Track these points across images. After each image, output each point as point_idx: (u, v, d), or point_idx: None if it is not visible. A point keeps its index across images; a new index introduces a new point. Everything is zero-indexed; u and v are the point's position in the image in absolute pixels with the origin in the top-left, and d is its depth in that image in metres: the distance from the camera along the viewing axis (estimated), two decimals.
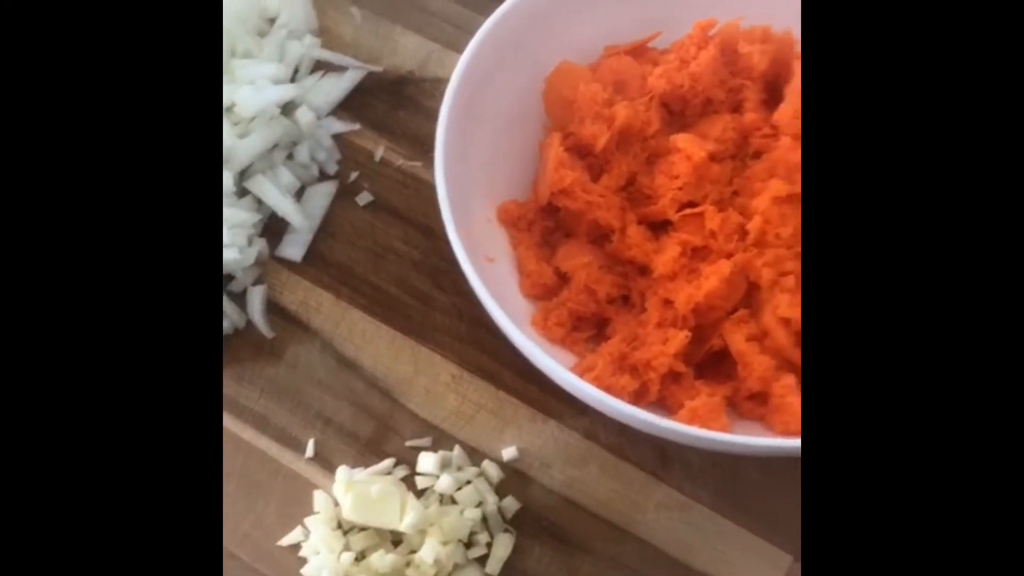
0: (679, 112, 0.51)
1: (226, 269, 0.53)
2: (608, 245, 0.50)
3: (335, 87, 0.60)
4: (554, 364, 0.43)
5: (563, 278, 0.50)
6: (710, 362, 0.47)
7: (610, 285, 0.49)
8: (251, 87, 0.55)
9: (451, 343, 0.53)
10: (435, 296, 0.54)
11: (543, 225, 0.51)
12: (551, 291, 0.50)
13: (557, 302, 0.49)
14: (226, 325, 0.53)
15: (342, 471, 0.48)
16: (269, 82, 0.56)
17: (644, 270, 0.49)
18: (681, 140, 0.48)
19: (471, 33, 0.61)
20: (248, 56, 0.58)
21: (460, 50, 0.61)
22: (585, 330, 0.49)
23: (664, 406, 0.46)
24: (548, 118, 0.53)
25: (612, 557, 0.48)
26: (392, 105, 0.60)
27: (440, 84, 0.61)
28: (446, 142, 0.48)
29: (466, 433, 0.50)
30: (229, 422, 0.51)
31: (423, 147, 0.59)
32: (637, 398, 0.46)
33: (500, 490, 0.49)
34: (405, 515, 0.45)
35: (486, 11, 0.63)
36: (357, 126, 0.59)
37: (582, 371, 0.45)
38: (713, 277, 0.45)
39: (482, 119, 0.51)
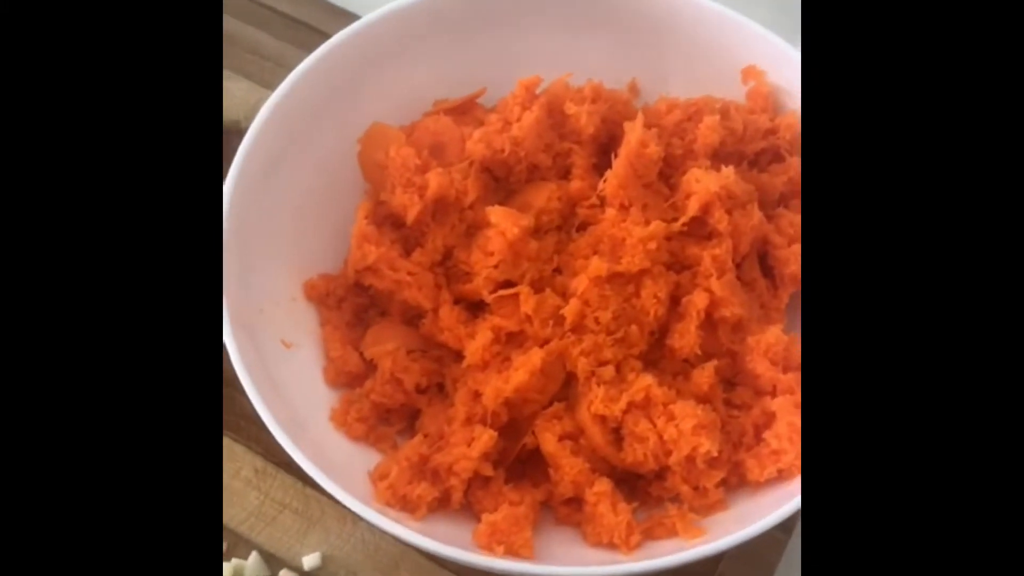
0: (503, 178, 0.46)
1: None
2: (421, 326, 0.45)
3: None
4: (329, 481, 0.38)
5: (371, 365, 0.45)
6: (527, 460, 0.43)
7: (419, 373, 0.44)
8: None
9: (258, 433, 0.47)
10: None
11: (355, 302, 0.46)
12: (358, 379, 0.45)
13: (360, 393, 0.44)
14: None
15: None
16: None
17: (459, 356, 0.44)
18: (495, 214, 0.43)
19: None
20: None
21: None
22: (395, 423, 0.44)
23: (471, 512, 0.41)
24: (367, 183, 0.48)
25: None
26: None
27: None
28: (233, 214, 0.43)
29: (265, 536, 0.45)
30: None
31: None
32: (440, 506, 0.41)
33: None
34: None
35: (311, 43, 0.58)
36: None
37: (376, 479, 0.40)
38: (523, 369, 0.41)
39: (286, 181, 0.46)
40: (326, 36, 0.59)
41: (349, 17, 0.60)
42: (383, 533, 0.45)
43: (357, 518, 0.45)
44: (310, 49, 0.59)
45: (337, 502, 0.45)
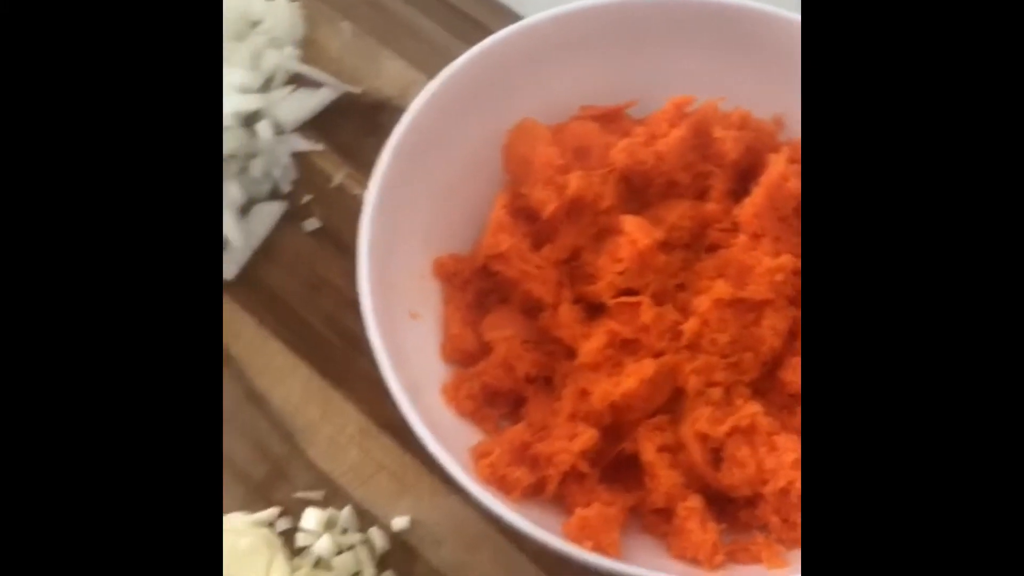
0: (641, 189, 0.47)
1: None
2: (538, 319, 0.46)
3: (304, 103, 0.57)
4: (438, 445, 0.40)
5: (485, 347, 0.46)
6: (622, 464, 0.44)
7: (531, 363, 0.45)
8: None
9: (368, 393, 0.50)
10: (363, 340, 0.51)
11: (479, 286, 0.48)
12: (470, 358, 0.46)
13: (473, 372, 0.46)
14: None
15: None
16: (234, 90, 0.54)
17: (571, 353, 0.45)
18: (629, 222, 0.44)
19: None
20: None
21: None
22: (500, 406, 0.46)
23: (561, 505, 0.43)
24: (506, 174, 0.50)
25: None
26: (363, 130, 0.58)
27: None
28: (383, 186, 0.45)
29: (361, 493, 0.48)
30: None
31: None
32: (533, 493, 0.42)
33: (382, 562, 0.46)
34: (269, 575, 0.43)
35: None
36: (321, 147, 0.57)
37: (478, 456, 0.42)
38: (634, 376, 0.42)
39: (433, 163, 0.48)
40: (481, 27, 0.62)
41: (505, 13, 0.62)
42: (472, 509, 0.47)
43: (448, 490, 0.48)
44: (466, 38, 0.61)
45: (432, 472, 0.48)
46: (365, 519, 0.47)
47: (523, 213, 0.47)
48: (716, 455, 0.42)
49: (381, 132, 0.57)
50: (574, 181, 0.45)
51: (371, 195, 0.44)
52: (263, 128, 0.55)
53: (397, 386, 0.41)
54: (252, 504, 0.47)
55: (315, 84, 0.58)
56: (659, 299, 0.44)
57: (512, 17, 0.62)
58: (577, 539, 0.39)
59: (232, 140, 0.53)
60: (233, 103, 0.53)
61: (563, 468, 0.42)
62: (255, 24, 0.59)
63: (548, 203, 0.46)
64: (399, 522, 0.47)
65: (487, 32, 0.61)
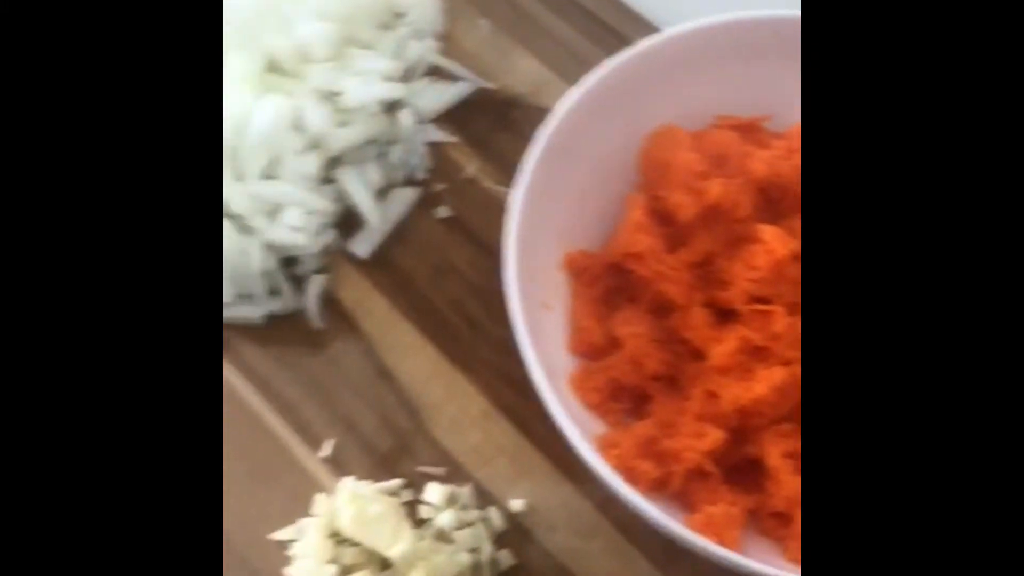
0: (776, 201, 0.48)
1: (293, 252, 0.53)
2: (668, 320, 0.48)
3: (443, 95, 0.59)
4: (576, 432, 0.41)
5: (613, 342, 0.48)
6: (742, 467, 0.45)
7: (659, 362, 0.47)
8: (360, 79, 0.55)
9: (489, 378, 0.52)
10: (486, 326, 0.53)
11: (607, 283, 0.50)
12: (598, 352, 0.48)
13: (601, 366, 0.47)
14: (279, 307, 0.53)
15: (348, 482, 0.48)
16: (379, 77, 0.56)
17: (698, 355, 0.46)
18: (767, 232, 0.45)
19: (591, 68, 0.60)
20: (367, 47, 0.58)
21: (576, 83, 0.61)
22: (624, 401, 0.47)
23: (683, 501, 0.44)
24: (640, 176, 0.51)
25: None
26: (495, 125, 0.60)
27: (547, 115, 0.60)
28: (530, 184, 0.47)
29: (481, 473, 0.49)
30: (257, 402, 0.51)
31: (515, 174, 0.57)
32: (657, 487, 0.43)
33: (499, 541, 0.48)
34: (397, 543, 0.45)
35: (611, 49, 0.62)
36: (455, 139, 0.59)
37: (606, 445, 0.44)
38: (764, 383, 0.43)
39: (572, 163, 0.50)
40: (613, 31, 0.64)
41: (641, 22, 0.63)
42: (586, 499, 0.48)
43: (563, 478, 0.49)
44: (598, 42, 0.63)
45: (549, 459, 0.49)
46: (484, 499, 0.49)
47: (659, 216, 0.49)
48: None
49: (512, 128, 0.60)
50: (714, 188, 0.47)
51: (518, 192, 0.46)
52: (404, 116, 0.57)
53: (539, 372, 0.42)
54: (377, 474, 0.49)
55: (452, 77, 0.60)
56: (791, 310, 0.45)
57: (641, 22, 0.64)
58: (702, 533, 0.40)
59: (375, 125, 0.56)
60: (378, 90, 0.55)
61: (689, 466, 0.43)
62: (399, 15, 0.61)
63: (686, 207, 0.47)
64: (516, 504, 0.48)
65: (619, 36, 0.63)
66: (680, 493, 0.44)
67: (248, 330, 0.53)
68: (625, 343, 0.47)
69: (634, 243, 0.47)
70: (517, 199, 0.46)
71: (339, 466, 0.49)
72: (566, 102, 0.49)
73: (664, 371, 0.47)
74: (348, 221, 0.56)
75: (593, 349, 0.48)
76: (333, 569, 0.45)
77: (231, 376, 0.52)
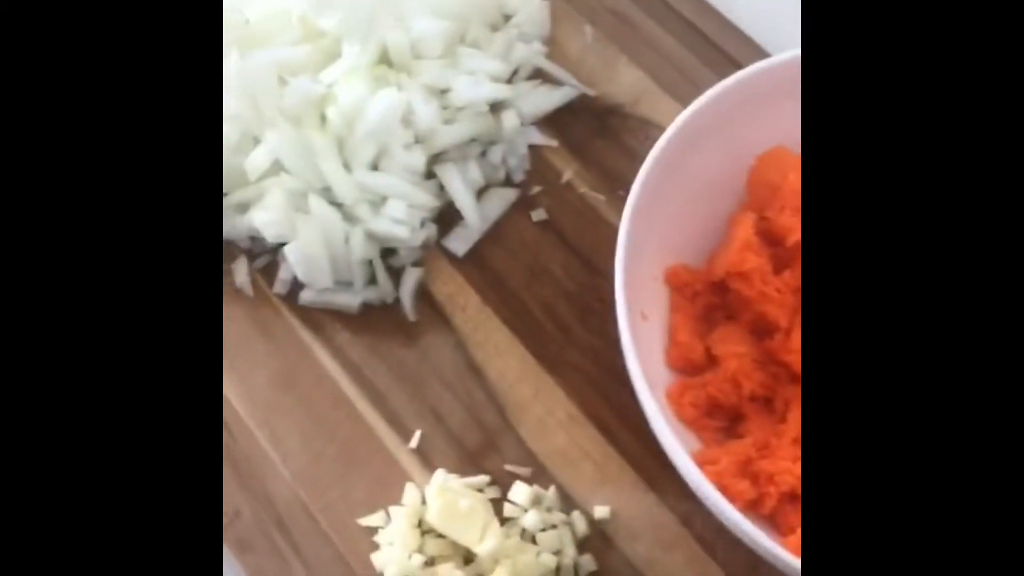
0: None
1: (393, 243, 0.54)
2: (768, 341, 0.48)
3: (546, 99, 0.60)
4: (678, 446, 0.41)
5: (711, 359, 0.48)
6: None
7: (757, 383, 0.47)
8: (470, 78, 0.56)
9: (577, 382, 0.52)
10: (576, 331, 0.54)
11: (708, 300, 0.50)
12: (695, 368, 0.48)
13: (699, 382, 0.47)
14: (375, 297, 0.54)
15: (440, 474, 0.48)
16: (488, 78, 0.57)
17: (796, 379, 0.46)
18: None
19: (691, 81, 0.61)
20: (476, 47, 0.59)
21: (676, 95, 0.61)
22: (719, 419, 0.47)
23: (774, 523, 0.44)
24: (747, 195, 0.52)
25: None
26: (594, 132, 0.60)
27: (646, 126, 0.60)
28: (640, 195, 0.47)
29: (565, 476, 0.50)
30: (349, 389, 0.52)
31: (611, 182, 0.58)
32: (750, 507, 0.44)
33: (582, 545, 0.48)
34: (485, 539, 0.45)
35: (712, 63, 0.62)
36: (555, 143, 0.59)
37: (704, 461, 0.44)
38: None
39: (680, 179, 0.50)
40: (714, 46, 0.64)
41: (742, 37, 0.64)
42: (668, 511, 0.49)
43: (647, 488, 0.49)
44: (701, 56, 0.63)
45: (634, 468, 0.50)
46: (567, 502, 0.49)
47: (766, 237, 0.49)
48: None
49: (610, 136, 0.60)
50: None
51: (628, 205, 0.46)
52: (508, 118, 0.57)
53: (642, 383, 0.42)
54: (463, 469, 0.50)
55: (555, 82, 0.61)
56: None
57: (742, 38, 0.64)
58: (797, 555, 0.40)
59: (480, 124, 0.56)
60: (486, 91, 0.56)
61: (784, 488, 0.43)
62: (508, 17, 0.61)
63: (794, 230, 0.47)
64: (600, 511, 0.49)
65: (720, 51, 0.63)
66: (772, 515, 0.44)
67: (344, 317, 0.54)
68: (724, 361, 0.47)
69: (741, 262, 0.47)
70: (627, 213, 0.46)
71: (426, 457, 0.50)
72: (677, 121, 0.49)
73: (761, 392, 0.47)
74: (446, 217, 0.56)
75: (690, 365, 0.48)
76: (419, 559, 0.46)
77: (326, 361, 0.52)
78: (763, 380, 0.47)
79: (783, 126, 0.52)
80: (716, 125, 0.50)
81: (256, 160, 0.52)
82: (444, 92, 0.56)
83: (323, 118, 0.53)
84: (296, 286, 0.54)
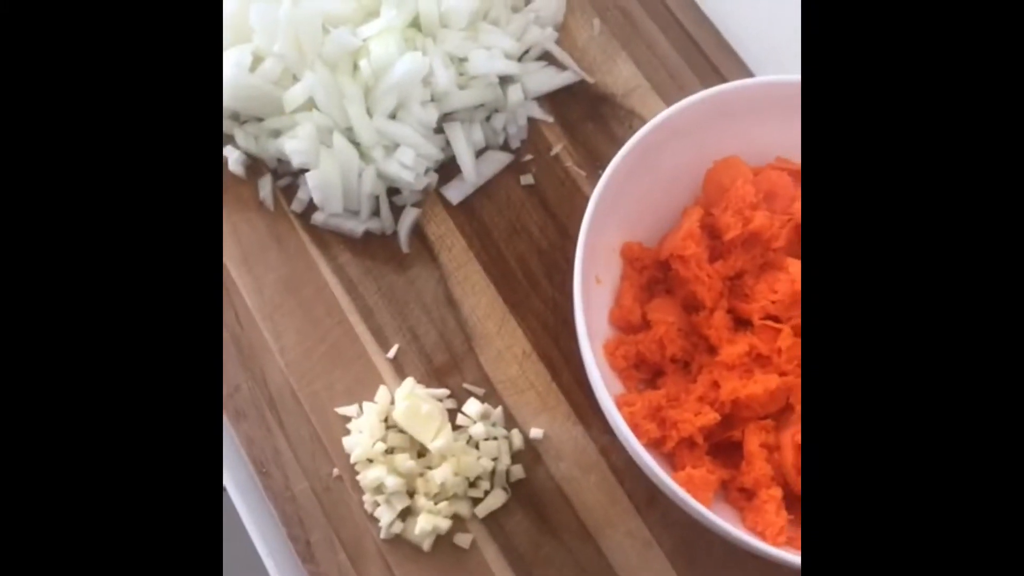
0: None
1: (398, 184, 0.63)
2: (694, 316, 0.57)
3: (550, 80, 0.68)
4: (604, 388, 0.51)
5: (646, 323, 0.58)
6: (724, 447, 0.55)
7: (679, 348, 0.57)
8: (486, 52, 0.64)
9: (536, 326, 0.62)
10: (542, 284, 0.63)
11: (653, 274, 0.59)
12: (632, 328, 0.58)
13: (632, 340, 0.57)
14: (376, 227, 0.63)
15: (409, 382, 0.58)
16: (502, 54, 0.65)
17: (712, 350, 0.56)
18: (793, 265, 0.55)
19: (678, 84, 0.70)
20: (495, 24, 0.67)
21: (663, 94, 0.70)
22: (643, 372, 0.57)
23: (672, 461, 0.54)
24: (701, 193, 0.61)
25: (571, 551, 0.56)
26: (586, 115, 0.69)
27: (632, 117, 0.69)
28: (611, 177, 0.56)
29: (512, 400, 0.60)
30: (343, 300, 0.61)
31: (593, 161, 0.67)
32: (655, 445, 0.54)
33: (515, 457, 0.58)
34: (438, 438, 0.55)
35: (700, 72, 0.71)
36: (551, 119, 0.68)
37: (623, 403, 0.54)
38: (759, 384, 0.53)
39: (648, 169, 0.59)
40: (707, 59, 0.72)
41: (732, 53, 0.72)
42: (591, 441, 0.59)
43: (576, 420, 0.59)
44: (692, 63, 0.72)
45: (569, 402, 0.60)
46: (509, 422, 0.59)
47: (708, 230, 0.58)
48: (799, 465, 0.53)
49: (599, 121, 0.69)
50: (759, 218, 0.56)
51: (600, 183, 0.55)
52: (514, 91, 0.66)
53: (583, 332, 0.52)
54: (429, 381, 0.60)
55: (560, 65, 0.69)
56: (796, 331, 0.55)
57: (733, 56, 0.72)
58: (682, 486, 0.51)
59: (489, 93, 0.65)
60: (499, 65, 0.64)
61: (683, 434, 0.53)
62: (528, 1, 0.70)
63: (732, 229, 0.56)
64: (534, 432, 0.59)
65: (709, 63, 0.72)
66: (671, 454, 0.54)
67: (347, 240, 0.63)
68: (655, 326, 0.57)
69: (683, 247, 0.56)
70: (598, 190, 0.55)
71: (400, 366, 0.60)
72: (656, 119, 0.58)
73: (681, 356, 0.57)
74: (447, 168, 0.65)
75: (628, 325, 0.58)
76: (381, 446, 0.56)
77: (327, 275, 0.62)
78: (684, 346, 0.57)
79: (744, 139, 0.61)
80: (687, 128, 0.59)
81: (293, 95, 0.60)
82: (462, 60, 0.64)
83: (355, 67, 0.62)
84: (311, 207, 0.63)
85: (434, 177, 0.64)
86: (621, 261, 0.60)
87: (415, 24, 0.64)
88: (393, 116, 0.62)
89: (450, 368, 0.60)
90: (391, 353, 0.60)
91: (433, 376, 0.60)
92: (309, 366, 0.59)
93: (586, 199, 0.64)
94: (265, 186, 0.63)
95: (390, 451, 0.56)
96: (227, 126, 0.63)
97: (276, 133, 0.62)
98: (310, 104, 0.61)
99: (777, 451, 0.53)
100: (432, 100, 0.63)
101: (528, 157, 0.67)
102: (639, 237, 0.60)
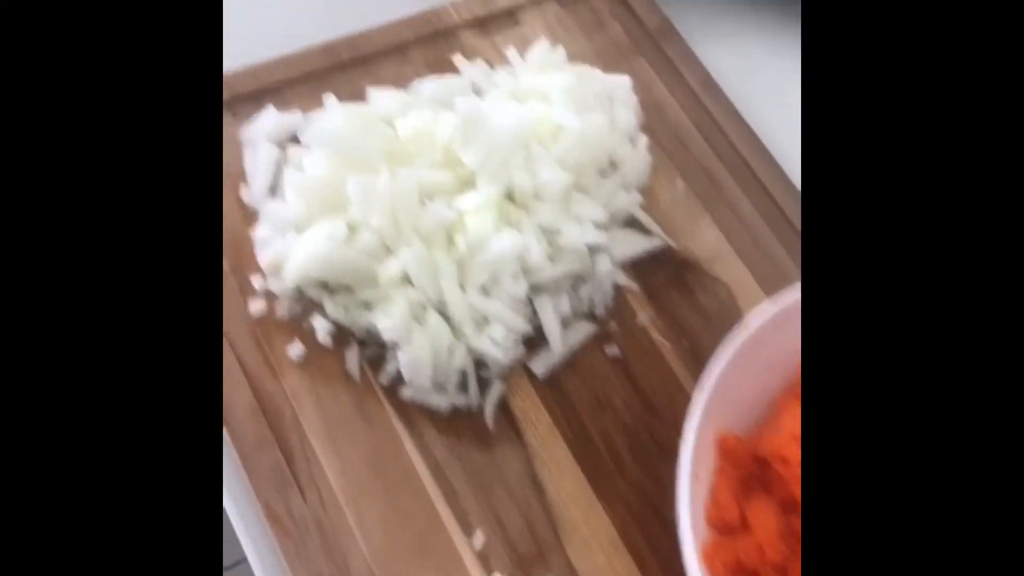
0: None
1: (486, 359, 0.62)
2: (793, 517, 0.56)
3: (636, 246, 0.68)
4: None
5: (744, 523, 0.56)
6: None
7: (779, 554, 0.55)
8: (578, 224, 0.64)
9: (622, 512, 0.60)
10: (628, 464, 0.62)
11: (750, 469, 0.58)
12: (729, 528, 0.56)
13: (731, 543, 0.55)
14: (463, 402, 0.61)
15: None
16: (593, 226, 0.65)
17: None
18: None
19: (761, 249, 0.70)
20: (584, 192, 0.66)
21: (746, 260, 0.69)
22: None
23: None
24: (796, 381, 0.60)
25: None
26: (670, 282, 0.68)
27: (717, 284, 0.68)
28: (716, 379, 0.55)
29: None
30: (431, 485, 0.59)
31: (678, 332, 0.66)
32: None
33: None
34: None
35: (779, 232, 0.71)
36: (636, 287, 0.67)
37: None
38: None
39: (746, 361, 0.58)
40: (786, 217, 0.72)
41: None
42: None
43: None
44: (772, 224, 0.71)
45: None
46: None
47: None
48: None
49: (685, 288, 0.68)
50: None
51: (708, 386, 0.54)
52: (602, 261, 0.65)
53: (688, 532, 0.51)
54: (514, 572, 0.58)
55: (645, 230, 0.69)
56: None
57: None
58: None
59: (578, 263, 0.64)
60: (590, 236, 0.64)
61: None
62: (615, 166, 0.69)
63: None
64: None
65: (788, 222, 0.71)
66: None
67: (433, 416, 0.61)
68: (756, 530, 0.55)
69: (787, 450, 0.55)
70: (705, 391, 0.54)
71: (485, 559, 0.58)
72: (758, 318, 0.57)
73: (781, 562, 0.55)
74: (533, 339, 0.64)
75: (724, 524, 0.56)
76: None
77: (413, 454, 0.60)
78: (782, 550, 0.55)
79: None
80: (788, 319, 0.58)
81: (389, 269, 0.59)
82: (554, 233, 0.64)
83: (449, 240, 0.61)
84: (398, 380, 0.61)
85: (522, 350, 0.63)
86: (715, 452, 0.58)
87: (509, 195, 0.63)
88: (485, 290, 0.61)
89: (536, 559, 0.58)
90: (476, 541, 0.58)
91: (519, 567, 0.58)
92: (393, 556, 0.57)
93: (670, 372, 0.63)
94: (352, 357, 0.62)
95: None
96: (316, 295, 0.62)
97: (368, 305, 0.61)
98: (404, 278, 0.60)
99: None
100: (523, 274, 0.62)
101: (613, 326, 0.66)
102: (729, 424, 0.59)
